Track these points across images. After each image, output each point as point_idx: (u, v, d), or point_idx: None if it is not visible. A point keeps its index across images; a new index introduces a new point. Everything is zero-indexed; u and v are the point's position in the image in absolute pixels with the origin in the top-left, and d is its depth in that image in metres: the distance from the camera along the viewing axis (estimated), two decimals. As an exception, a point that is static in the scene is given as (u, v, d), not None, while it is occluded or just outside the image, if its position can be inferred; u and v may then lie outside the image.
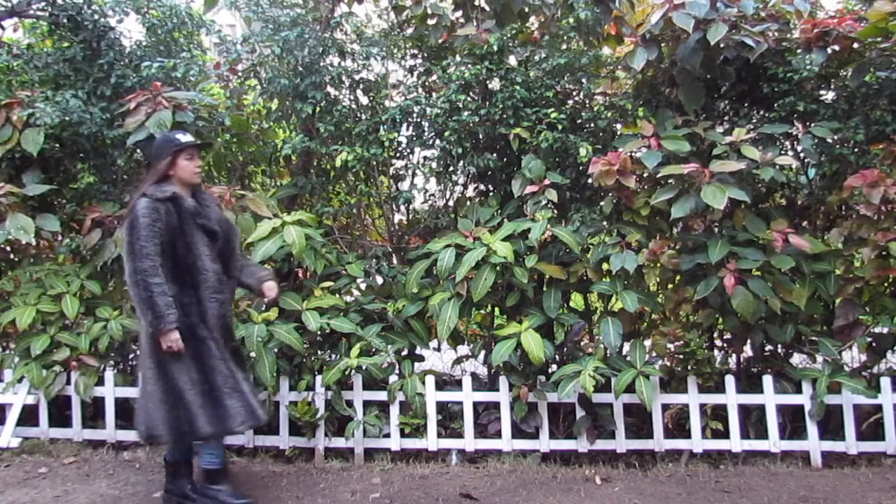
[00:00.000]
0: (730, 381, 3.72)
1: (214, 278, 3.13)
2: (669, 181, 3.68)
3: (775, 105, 3.81)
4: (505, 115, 3.95)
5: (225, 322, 3.22)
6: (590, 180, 3.88)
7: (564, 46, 4.46)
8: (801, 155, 3.92)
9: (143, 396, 3.13)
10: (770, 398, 3.70)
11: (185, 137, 3.18)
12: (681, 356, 3.77)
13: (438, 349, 4.37)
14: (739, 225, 3.71)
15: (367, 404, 3.89)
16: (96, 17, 4.23)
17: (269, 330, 3.67)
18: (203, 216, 3.14)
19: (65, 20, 4.17)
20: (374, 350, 3.88)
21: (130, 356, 4.46)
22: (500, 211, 4.13)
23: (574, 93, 4.31)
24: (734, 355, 4.07)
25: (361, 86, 4.37)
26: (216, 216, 3.23)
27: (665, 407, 3.78)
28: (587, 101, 4.30)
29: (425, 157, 4.31)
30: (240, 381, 3.12)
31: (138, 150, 4.26)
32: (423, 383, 3.87)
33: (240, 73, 4.27)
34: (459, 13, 4.41)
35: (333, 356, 3.97)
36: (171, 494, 3.26)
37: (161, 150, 3.14)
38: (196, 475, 3.31)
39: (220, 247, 3.20)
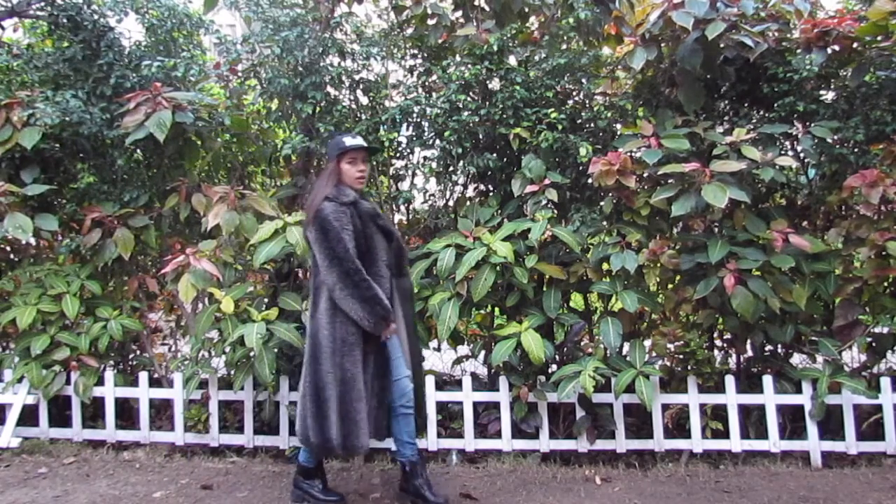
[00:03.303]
0: (730, 381, 3.72)
1: (388, 283, 3.13)
2: (670, 180, 3.69)
3: (775, 105, 3.81)
4: (505, 115, 3.95)
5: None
6: (590, 180, 3.88)
7: (564, 46, 4.46)
8: (801, 155, 3.91)
9: (305, 399, 3.09)
10: (770, 398, 3.70)
11: (352, 141, 3.15)
12: (681, 356, 3.78)
13: (438, 349, 4.37)
14: (739, 225, 3.71)
15: (367, 404, 3.89)
16: (96, 17, 4.23)
17: (270, 329, 3.66)
18: (381, 217, 3.14)
19: (64, 20, 4.17)
20: (374, 350, 3.87)
21: (130, 356, 4.46)
22: (500, 211, 4.12)
23: (574, 93, 4.31)
24: (734, 355, 4.06)
25: (361, 86, 4.36)
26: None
27: (665, 407, 3.79)
28: (587, 101, 4.30)
29: (425, 157, 4.30)
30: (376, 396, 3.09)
31: (138, 150, 4.27)
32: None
33: (240, 73, 4.27)
34: (459, 13, 4.42)
35: (333, 356, 3.96)
36: (406, 493, 3.22)
37: (329, 153, 3.18)
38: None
39: (395, 248, 3.20)
